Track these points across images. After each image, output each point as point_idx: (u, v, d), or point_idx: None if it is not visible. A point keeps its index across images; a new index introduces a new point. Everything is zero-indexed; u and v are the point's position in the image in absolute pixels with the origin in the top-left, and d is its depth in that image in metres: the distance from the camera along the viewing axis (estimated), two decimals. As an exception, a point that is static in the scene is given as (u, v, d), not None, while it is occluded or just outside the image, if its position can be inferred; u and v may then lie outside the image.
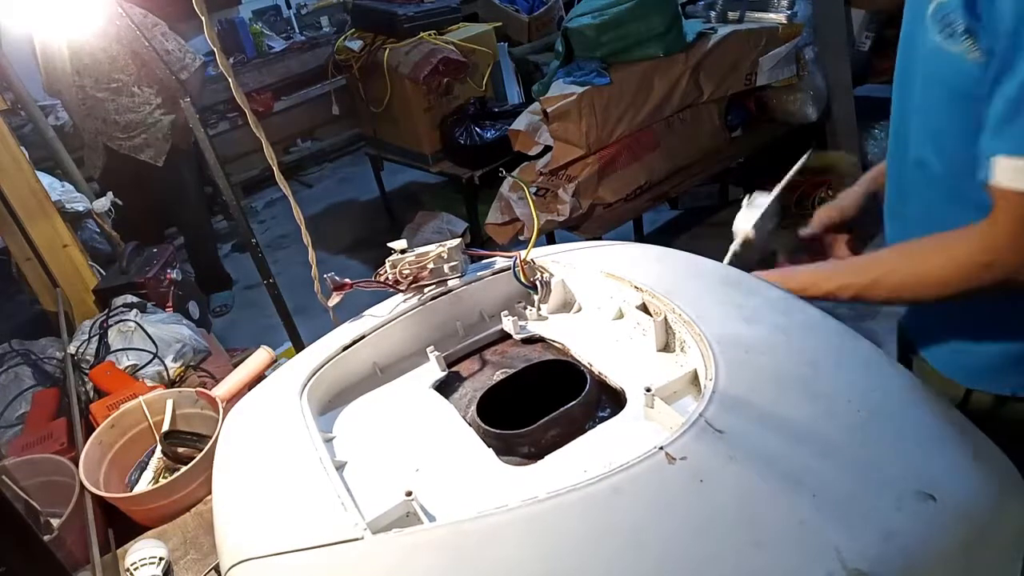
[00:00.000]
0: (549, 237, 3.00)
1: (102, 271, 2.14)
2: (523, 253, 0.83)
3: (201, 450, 1.16)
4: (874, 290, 0.82)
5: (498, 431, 0.64)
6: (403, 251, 0.86)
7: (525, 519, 0.50)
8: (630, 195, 2.93)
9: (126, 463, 1.27)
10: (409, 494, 0.57)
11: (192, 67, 3.20)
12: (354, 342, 0.79)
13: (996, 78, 0.70)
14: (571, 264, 0.83)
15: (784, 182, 1.05)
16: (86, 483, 1.12)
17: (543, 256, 0.86)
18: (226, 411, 1.23)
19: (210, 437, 1.21)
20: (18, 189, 1.91)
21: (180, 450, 1.25)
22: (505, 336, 0.82)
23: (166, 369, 1.56)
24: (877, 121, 3.26)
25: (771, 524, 0.48)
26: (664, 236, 3.55)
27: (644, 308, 0.74)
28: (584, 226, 2.83)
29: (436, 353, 0.78)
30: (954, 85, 0.77)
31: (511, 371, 0.74)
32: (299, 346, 1.95)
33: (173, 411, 1.29)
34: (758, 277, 0.85)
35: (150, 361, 1.56)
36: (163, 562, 1.01)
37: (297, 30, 5.58)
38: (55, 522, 1.04)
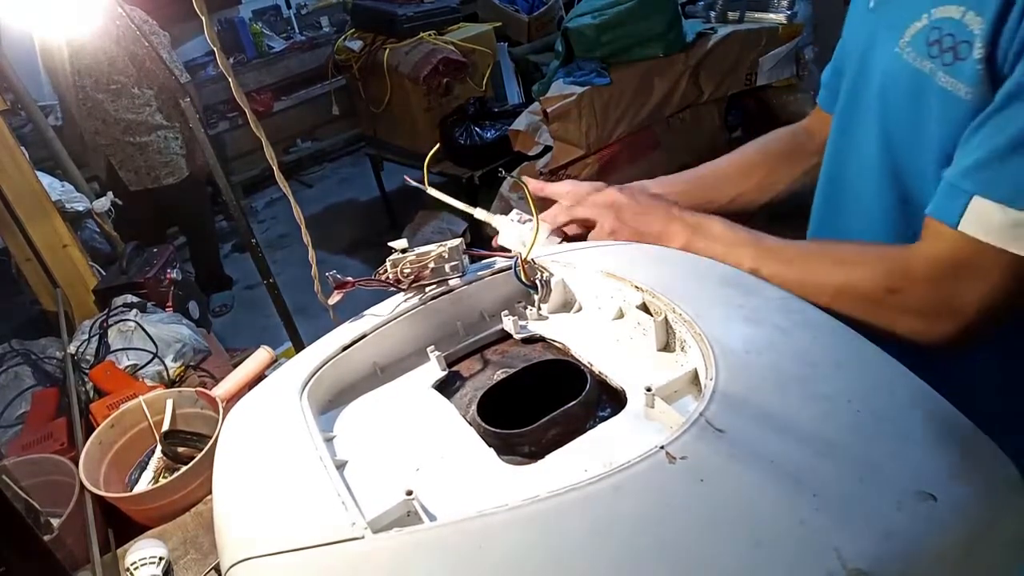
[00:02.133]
0: (549, 237, 2.99)
1: (102, 271, 2.14)
2: (524, 253, 0.83)
3: (201, 450, 1.16)
4: (778, 279, 0.74)
5: (499, 430, 0.64)
6: (404, 251, 0.86)
7: (526, 518, 0.50)
8: (630, 195, 2.93)
9: (126, 463, 1.27)
10: (410, 493, 0.57)
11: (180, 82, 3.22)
12: (354, 342, 0.79)
13: (1001, 105, 0.60)
14: (571, 264, 0.83)
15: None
16: (86, 483, 1.12)
17: (544, 256, 0.86)
18: (226, 411, 1.23)
19: (210, 437, 1.21)
20: (18, 189, 1.92)
21: (180, 450, 1.25)
22: (505, 336, 0.82)
23: (166, 369, 1.56)
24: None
25: (771, 523, 0.48)
26: (664, 236, 3.55)
27: (644, 308, 0.74)
28: (584, 226, 2.83)
29: (436, 353, 0.78)
30: (934, 116, 0.68)
31: (511, 371, 0.74)
32: (299, 346, 1.96)
33: (173, 411, 1.30)
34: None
35: (150, 361, 1.56)
36: (163, 562, 1.01)
37: (297, 30, 5.58)
38: (55, 522, 1.04)
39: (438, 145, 1.02)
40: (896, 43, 0.71)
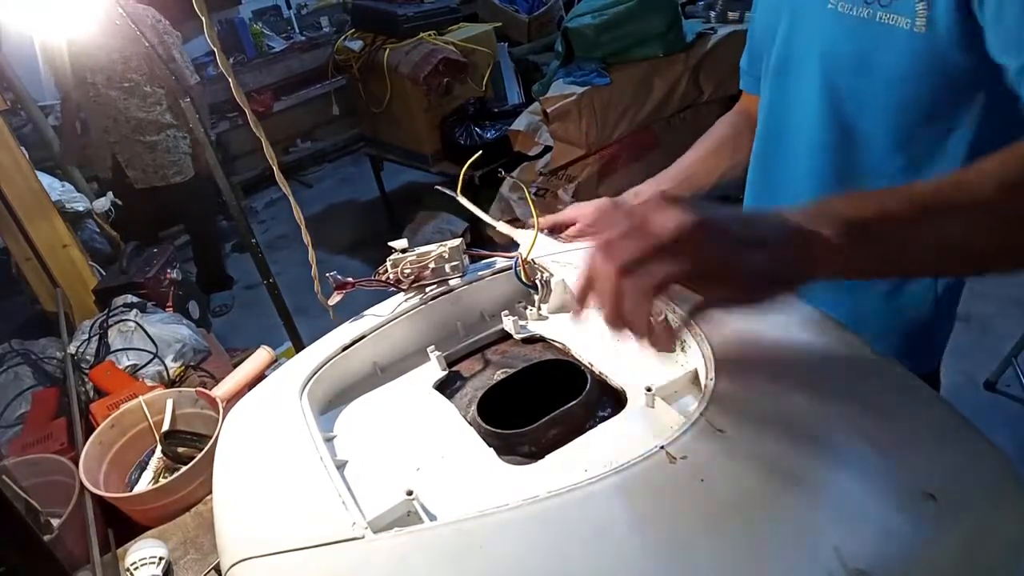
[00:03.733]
0: (549, 237, 3.00)
1: (102, 271, 2.14)
2: (524, 253, 0.83)
3: (201, 450, 1.16)
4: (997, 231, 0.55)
5: (499, 430, 0.64)
6: (404, 250, 0.86)
7: (526, 518, 0.50)
8: (630, 195, 2.93)
9: (126, 463, 1.27)
10: (410, 493, 0.57)
11: (190, 82, 3.22)
12: (354, 342, 0.79)
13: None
14: (572, 264, 0.83)
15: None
16: (86, 483, 1.12)
17: (544, 256, 0.86)
18: (226, 411, 1.23)
19: (210, 437, 1.21)
20: (18, 189, 1.91)
21: (180, 450, 1.25)
22: (506, 336, 0.82)
23: (166, 369, 1.56)
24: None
25: (771, 523, 0.48)
26: (664, 236, 3.54)
27: (644, 308, 0.74)
28: (584, 226, 2.83)
29: (437, 353, 0.78)
30: (883, 61, 0.76)
31: (512, 371, 0.74)
32: (299, 346, 1.96)
33: (173, 411, 1.30)
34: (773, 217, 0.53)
35: (150, 361, 1.56)
36: (163, 562, 1.01)
37: (297, 30, 5.58)
38: (55, 522, 1.04)
39: (479, 153, 1.06)
40: (825, 4, 0.80)
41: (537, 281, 0.84)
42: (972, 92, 0.74)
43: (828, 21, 0.81)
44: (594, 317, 0.81)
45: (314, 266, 0.97)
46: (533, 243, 0.83)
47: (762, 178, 1.03)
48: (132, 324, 1.63)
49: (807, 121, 0.89)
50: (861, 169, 0.86)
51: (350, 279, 0.84)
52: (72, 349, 1.63)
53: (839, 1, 0.79)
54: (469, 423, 0.67)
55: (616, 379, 0.68)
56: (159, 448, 1.27)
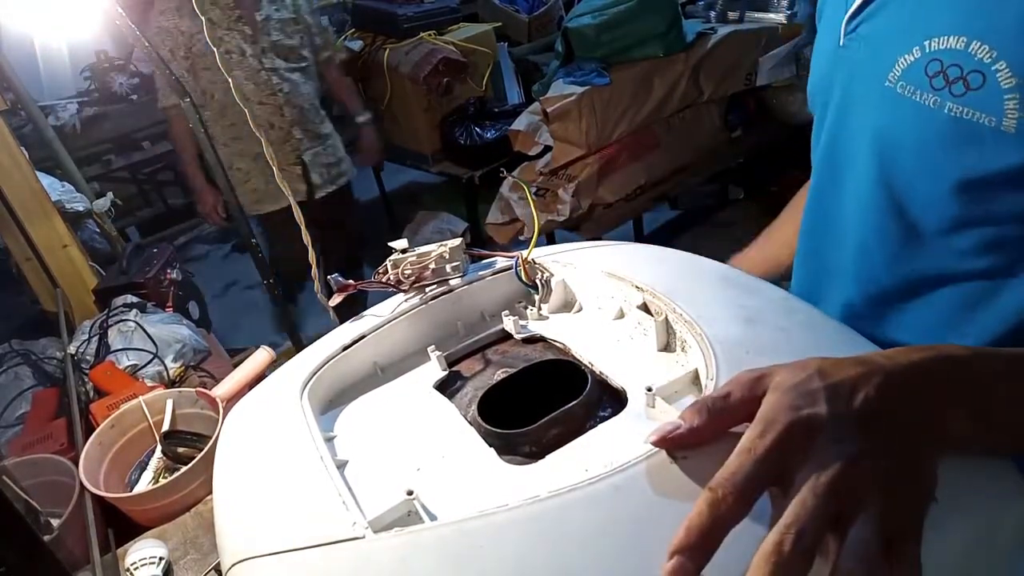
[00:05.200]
0: (549, 237, 3.01)
1: (102, 271, 2.14)
2: (525, 253, 0.83)
3: (201, 450, 1.16)
4: None
5: (499, 430, 0.64)
6: (404, 251, 0.86)
7: (527, 518, 0.50)
8: (630, 195, 2.94)
9: (126, 463, 1.27)
10: (410, 493, 0.57)
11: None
12: (354, 342, 0.79)
13: None
14: (572, 264, 0.83)
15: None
16: (86, 483, 1.12)
17: (544, 256, 0.86)
18: (226, 411, 1.23)
19: (210, 437, 1.21)
20: (18, 189, 1.92)
21: (180, 450, 1.25)
22: (506, 336, 0.82)
23: (166, 369, 1.56)
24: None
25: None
26: (664, 236, 3.56)
27: (645, 308, 0.74)
28: (584, 226, 2.83)
29: (437, 353, 0.78)
30: (954, 160, 0.62)
31: (512, 370, 0.74)
32: (299, 346, 1.96)
33: (173, 411, 1.30)
34: None
35: (150, 361, 1.56)
36: (163, 562, 1.01)
37: (297, 30, 5.56)
38: (55, 522, 1.04)
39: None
40: (883, 78, 0.67)
41: (537, 281, 0.84)
42: None
43: (886, 101, 0.67)
44: (594, 318, 0.81)
45: (314, 266, 0.97)
46: (534, 243, 0.83)
47: (815, 271, 0.88)
48: (132, 324, 1.63)
49: (859, 212, 0.75)
50: (929, 272, 0.71)
51: (351, 281, 0.84)
52: (72, 349, 1.63)
53: (900, 79, 0.65)
54: (469, 423, 0.67)
55: (616, 379, 0.68)
56: (159, 448, 1.27)
